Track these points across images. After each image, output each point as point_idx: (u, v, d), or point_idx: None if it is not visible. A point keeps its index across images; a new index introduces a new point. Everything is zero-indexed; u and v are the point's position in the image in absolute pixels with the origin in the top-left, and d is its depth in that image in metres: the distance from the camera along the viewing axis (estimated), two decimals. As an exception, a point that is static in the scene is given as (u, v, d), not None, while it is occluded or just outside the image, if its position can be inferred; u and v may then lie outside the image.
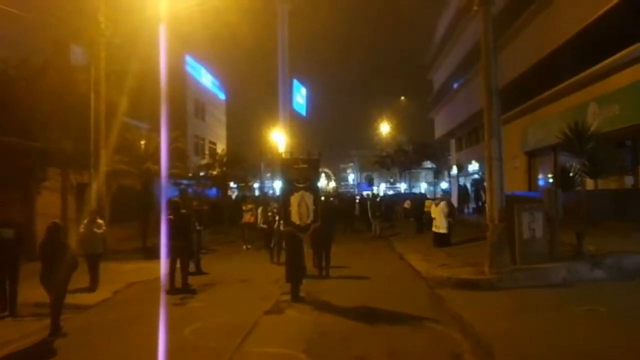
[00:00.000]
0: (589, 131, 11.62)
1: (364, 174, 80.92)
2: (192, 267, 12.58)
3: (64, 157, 17.62)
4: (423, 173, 62.93)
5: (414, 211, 23.70)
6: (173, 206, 11.48)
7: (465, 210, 31.00)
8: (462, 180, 38.54)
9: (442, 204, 16.84)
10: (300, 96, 55.17)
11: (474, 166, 34.70)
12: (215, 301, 10.29)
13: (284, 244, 11.70)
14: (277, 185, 44.48)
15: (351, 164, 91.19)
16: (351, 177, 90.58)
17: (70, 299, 8.57)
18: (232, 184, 40.34)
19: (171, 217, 11.04)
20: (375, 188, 60.73)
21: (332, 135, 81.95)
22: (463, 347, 6.63)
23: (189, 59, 38.68)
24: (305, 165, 10.41)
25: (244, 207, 19.62)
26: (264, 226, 17.04)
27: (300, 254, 10.29)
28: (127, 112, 17.41)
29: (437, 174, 49.46)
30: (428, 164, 51.36)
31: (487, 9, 11.18)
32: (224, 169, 34.27)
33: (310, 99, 63.09)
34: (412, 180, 58.85)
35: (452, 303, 9.07)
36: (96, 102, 16.57)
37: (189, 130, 36.93)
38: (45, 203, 16.65)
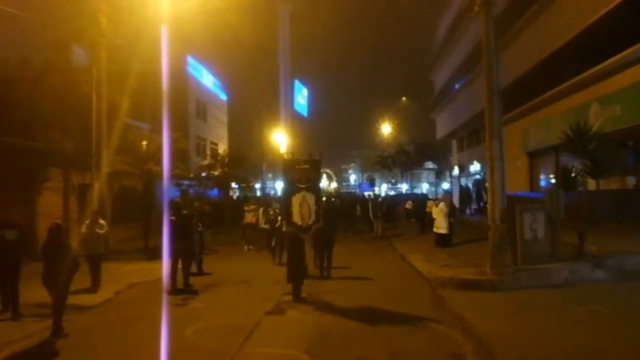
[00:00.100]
0: (591, 131, 11.61)
1: (366, 175, 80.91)
2: (194, 268, 12.59)
3: (66, 157, 17.64)
4: (424, 174, 62.93)
5: (416, 212, 23.69)
6: (175, 207, 11.48)
7: (467, 211, 31.00)
8: (463, 181, 38.54)
9: (442, 204, 16.84)
10: (301, 97, 55.13)
11: (475, 167, 34.69)
12: (216, 302, 10.29)
13: (285, 244, 11.69)
14: (279, 186, 44.48)
15: (352, 165, 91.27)
16: (352, 178, 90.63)
17: (72, 299, 8.57)
18: (233, 185, 40.37)
19: (173, 217, 11.04)
20: (376, 189, 60.74)
21: (333, 136, 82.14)
22: (465, 348, 6.62)
23: (190, 59, 38.69)
24: (307, 166, 10.42)
25: (246, 208, 19.62)
26: (266, 226, 17.05)
27: (301, 254, 10.28)
28: (129, 112, 17.42)
29: (439, 175, 49.42)
30: (429, 165, 51.34)
31: (488, 10, 11.17)
32: (226, 169, 34.30)
33: (311, 99, 63.03)
34: (414, 181, 58.82)
35: (454, 303, 9.07)
36: (98, 103, 16.59)
37: (190, 130, 36.93)
38: (47, 203, 16.67)
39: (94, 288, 11.02)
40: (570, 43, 17.95)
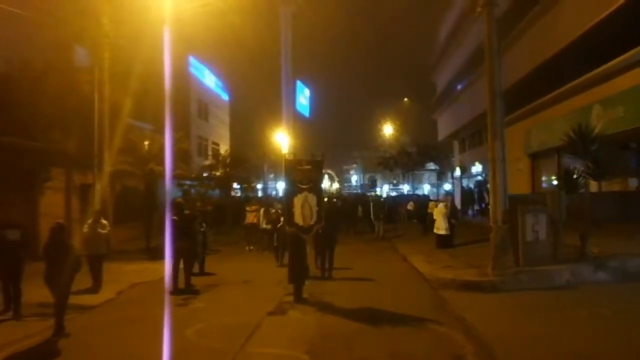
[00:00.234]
0: (593, 133, 11.61)
1: (367, 175, 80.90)
2: (196, 268, 12.60)
3: (68, 157, 17.67)
4: (426, 174, 62.88)
5: (418, 213, 23.66)
6: (177, 207, 11.49)
7: (470, 212, 30.99)
8: (465, 182, 38.52)
9: (441, 205, 16.85)
10: (303, 97, 55.07)
11: (477, 168, 34.66)
12: (218, 302, 10.30)
13: (287, 245, 11.69)
14: (281, 186, 44.47)
15: (354, 165, 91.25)
16: (354, 179, 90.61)
17: (73, 299, 8.58)
18: (235, 185, 40.36)
19: (175, 217, 11.04)
20: (378, 189, 60.73)
21: (335, 137, 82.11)
22: (466, 349, 6.61)
23: (192, 60, 38.73)
24: (309, 167, 10.42)
25: (247, 208, 19.62)
26: (267, 227, 17.06)
27: (303, 255, 10.29)
28: (131, 112, 17.44)
29: (441, 176, 49.40)
30: (431, 166, 51.26)
31: (490, 11, 11.17)
32: (227, 169, 34.30)
33: (313, 100, 62.97)
34: (415, 182, 58.80)
35: (455, 305, 9.06)
36: (100, 103, 16.62)
37: (192, 131, 36.96)
38: (49, 203, 16.71)
39: (94, 288, 11.04)
40: (572, 45, 17.94)
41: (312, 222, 10.21)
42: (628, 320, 7.69)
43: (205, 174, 33.58)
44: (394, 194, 58.76)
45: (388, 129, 57.42)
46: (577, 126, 11.56)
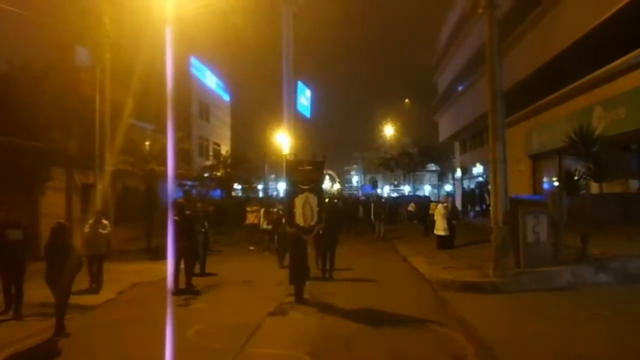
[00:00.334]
0: (594, 135, 11.60)
1: (368, 176, 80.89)
2: (197, 268, 12.60)
3: (69, 157, 17.68)
4: (427, 175, 62.92)
5: (419, 214, 23.64)
6: (178, 207, 11.50)
7: (470, 213, 30.99)
8: (466, 183, 38.52)
9: (440, 206, 16.85)
10: (304, 98, 55.11)
11: (478, 169, 34.66)
12: (219, 302, 10.30)
13: (288, 245, 11.68)
14: (281, 187, 44.46)
15: (355, 166, 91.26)
16: (355, 179, 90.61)
17: (74, 299, 8.59)
18: (236, 185, 40.39)
19: (176, 218, 11.05)
20: (379, 190, 60.72)
21: (336, 137, 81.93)
22: (466, 350, 6.61)
23: (193, 60, 38.74)
24: (310, 167, 10.43)
25: (248, 209, 19.64)
26: (268, 227, 17.07)
27: (304, 255, 10.29)
28: (132, 113, 17.44)
29: (441, 177, 49.42)
30: (432, 167, 51.33)
31: (492, 12, 11.16)
32: (228, 170, 34.34)
33: (314, 100, 62.99)
34: (416, 183, 58.82)
35: (456, 306, 9.06)
36: (101, 103, 16.63)
37: (193, 131, 36.96)
38: (50, 203, 16.71)
39: (92, 288, 10.98)
40: (573, 46, 17.93)
41: (313, 223, 10.21)
42: (629, 321, 7.67)
43: (206, 175, 33.62)
44: (394, 194, 58.78)
45: (389, 130, 57.47)
46: (579, 127, 11.56)
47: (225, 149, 42.47)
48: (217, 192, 35.86)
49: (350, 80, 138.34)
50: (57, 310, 7.79)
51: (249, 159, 38.49)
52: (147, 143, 20.87)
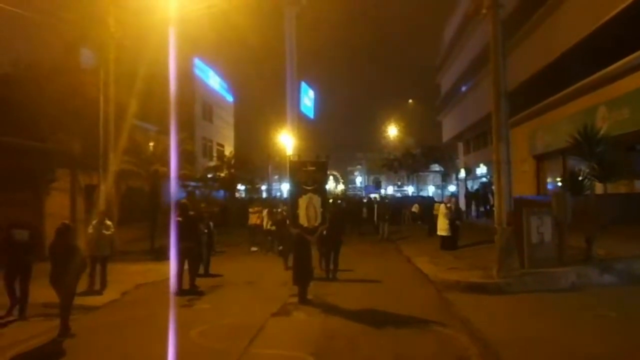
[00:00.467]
0: (599, 135, 11.56)
1: (372, 177, 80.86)
2: (200, 269, 12.61)
3: (73, 158, 17.75)
4: (431, 176, 62.73)
5: (423, 214, 23.60)
6: (182, 208, 11.52)
7: (473, 214, 30.93)
8: (470, 184, 38.47)
9: (442, 206, 16.82)
10: (307, 99, 55.22)
11: (482, 169, 34.62)
12: (222, 303, 10.30)
13: (292, 246, 11.68)
14: (285, 188, 44.52)
15: (359, 167, 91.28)
16: (358, 180, 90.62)
17: (78, 300, 8.60)
18: (239, 186, 40.46)
19: (180, 218, 11.08)
20: (382, 191, 60.66)
21: (339, 138, 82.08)
22: (471, 351, 6.60)
23: (197, 61, 38.82)
24: (313, 168, 10.44)
25: (250, 210, 19.66)
26: (272, 228, 17.07)
27: (308, 256, 10.28)
28: (136, 114, 17.49)
29: (445, 177, 49.32)
30: (436, 167, 51.17)
31: (496, 12, 11.15)
32: (232, 171, 34.39)
33: (318, 101, 63.14)
34: (420, 184, 58.70)
35: (460, 307, 9.04)
36: (105, 104, 16.68)
37: (196, 132, 37.04)
38: (54, 204, 16.77)
39: (90, 290, 10.93)
40: (577, 46, 17.89)
41: (316, 224, 10.22)
42: (634, 322, 7.65)
43: (209, 175, 33.68)
44: (398, 195, 58.72)
45: (392, 131, 57.37)
46: (583, 128, 11.52)
47: (228, 150, 42.54)
48: (221, 193, 35.91)
49: (353, 80, 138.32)
50: (62, 311, 7.81)
51: (252, 160, 38.55)
52: (150, 144, 20.94)
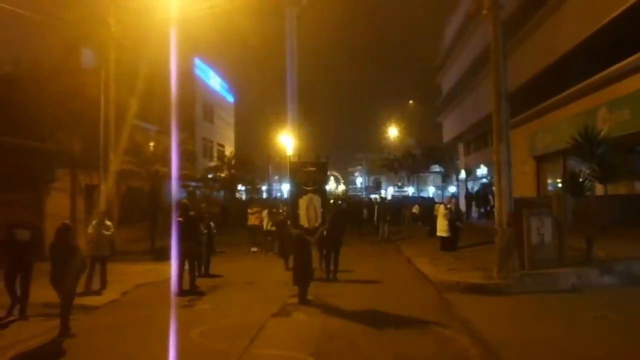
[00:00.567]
0: (599, 136, 11.56)
1: (372, 178, 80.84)
2: (200, 269, 12.61)
3: (73, 158, 17.75)
4: (431, 177, 62.70)
5: (423, 215, 23.58)
6: (182, 208, 11.52)
7: (473, 214, 30.91)
8: (470, 185, 38.45)
9: (441, 207, 16.83)
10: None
11: (482, 170, 34.60)
12: (223, 303, 10.30)
13: (292, 247, 11.68)
14: (285, 188, 44.53)
15: (359, 167, 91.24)
16: (359, 181, 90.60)
17: (78, 300, 8.62)
18: (240, 187, 40.46)
19: (180, 219, 11.08)
20: (383, 191, 60.66)
21: (340, 139, 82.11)
22: (471, 352, 6.60)
23: (198, 61, 38.84)
24: (314, 169, 10.44)
25: (249, 210, 19.65)
26: (272, 229, 17.07)
27: (308, 257, 10.28)
28: (136, 114, 17.50)
29: (445, 178, 49.29)
30: (436, 168, 51.16)
31: (496, 13, 11.14)
32: (232, 171, 34.38)
33: (318, 102, 63.16)
34: (420, 184, 58.66)
35: (460, 307, 9.04)
36: (105, 105, 16.69)
37: (197, 132, 37.04)
38: (55, 204, 16.77)
39: (87, 291, 10.86)
40: (578, 47, 17.88)
41: (317, 224, 10.22)
42: (634, 323, 7.64)
43: (210, 176, 33.66)
44: (395, 194, 58.68)
45: (393, 131, 57.34)
46: (583, 129, 11.52)
47: (229, 150, 42.54)
48: (221, 193, 35.90)
49: (354, 81, 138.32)
50: (62, 311, 7.81)
51: (252, 160, 38.54)
52: (151, 144, 20.93)
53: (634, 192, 16.71)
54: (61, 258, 7.92)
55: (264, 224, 18.27)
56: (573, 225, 11.17)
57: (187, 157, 24.76)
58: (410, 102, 63.30)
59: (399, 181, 63.97)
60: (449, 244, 16.13)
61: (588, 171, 11.57)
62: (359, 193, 71.45)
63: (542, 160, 23.13)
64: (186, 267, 11.25)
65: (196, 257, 11.83)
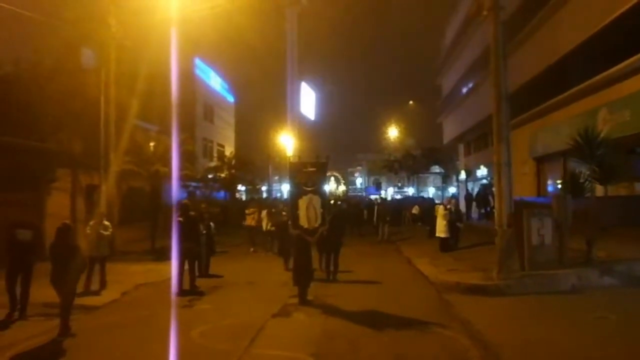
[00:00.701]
0: (599, 137, 11.56)
1: (372, 178, 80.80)
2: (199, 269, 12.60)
3: (73, 158, 17.75)
4: (431, 178, 62.70)
5: (423, 216, 23.57)
6: (183, 208, 11.52)
7: (473, 215, 30.89)
8: (470, 185, 38.44)
9: (440, 207, 16.84)
10: (308, 100, 55.29)
11: (482, 171, 34.59)
12: (223, 303, 10.30)
13: (292, 247, 11.68)
14: (285, 188, 44.52)
15: (359, 168, 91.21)
16: (359, 181, 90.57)
17: (78, 299, 8.62)
18: (240, 187, 40.46)
19: (180, 219, 11.08)
20: (383, 192, 60.65)
21: (340, 139, 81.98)
22: (471, 353, 6.60)
23: (198, 61, 38.82)
24: (313, 169, 10.44)
25: (246, 211, 19.64)
26: (272, 229, 17.06)
27: (308, 257, 10.29)
28: (136, 114, 17.51)
29: (445, 179, 49.29)
30: (436, 169, 51.16)
31: (497, 14, 11.15)
32: (232, 171, 34.38)
33: (318, 102, 63.22)
34: (420, 185, 58.70)
35: (460, 308, 9.04)
36: (106, 105, 16.70)
37: (197, 132, 37.02)
38: (55, 204, 16.75)
39: (87, 291, 10.86)
40: (579, 47, 17.90)
41: (316, 225, 10.21)
42: (634, 324, 7.64)
43: (210, 176, 33.66)
44: (398, 196, 58.69)
45: (393, 132, 57.34)
46: (584, 130, 11.52)
47: (229, 150, 42.51)
48: (221, 194, 35.90)
49: (354, 82, 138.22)
50: (62, 311, 7.81)
51: (253, 161, 38.52)
52: (151, 144, 20.92)
53: (634, 194, 16.71)
54: (61, 258, 7.92)
55: (264, 224, 18.26)
56: (573, 226, 11.17)
57: (187, 157, 24.76)
58: (411, 102, 63.35)
59: (399, 182, 64.01)
60: (447, 245, 16.14)
61: (588, 172, 11.57)
62: (359, 193, 71.40)
63: (542, 161, 23.14)
64: (186, 267, 11.25)
65: (196, 257, 11.83)
